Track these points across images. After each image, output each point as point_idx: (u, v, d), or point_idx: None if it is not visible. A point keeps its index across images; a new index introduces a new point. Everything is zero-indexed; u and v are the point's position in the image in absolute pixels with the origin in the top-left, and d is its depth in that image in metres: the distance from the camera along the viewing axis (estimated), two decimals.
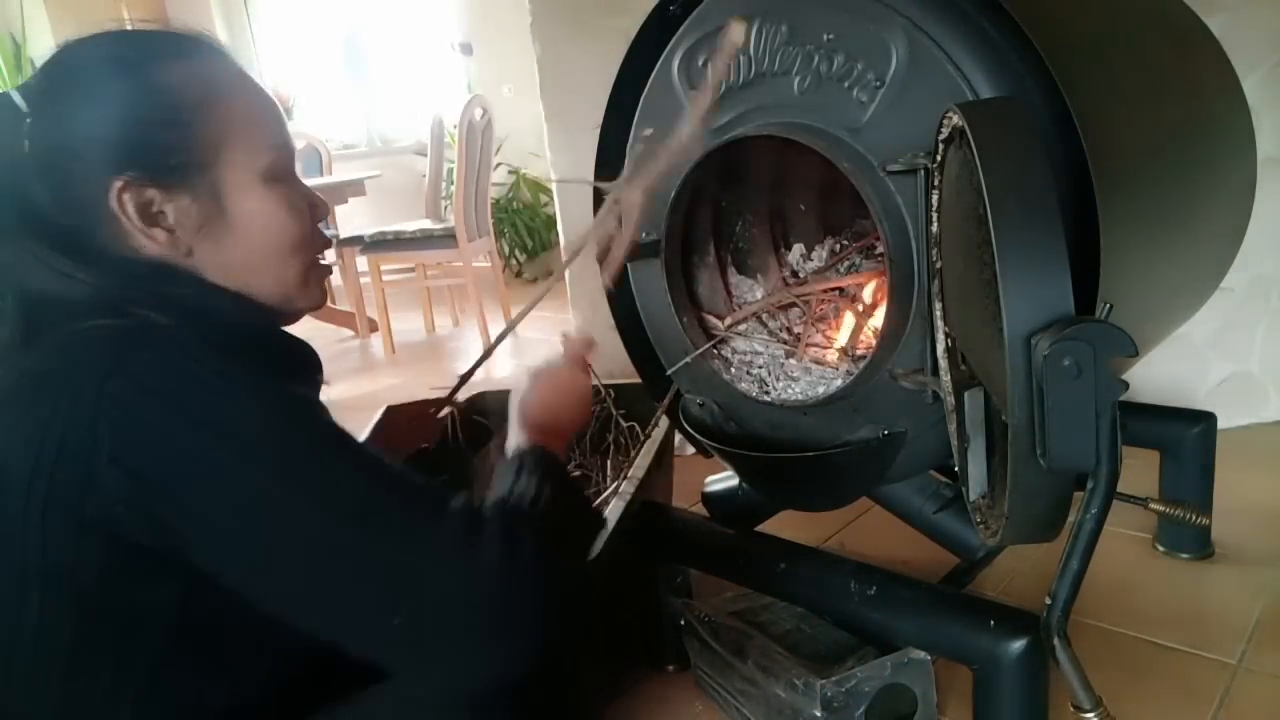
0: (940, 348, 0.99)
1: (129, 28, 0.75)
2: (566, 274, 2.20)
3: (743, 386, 1.20)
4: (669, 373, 1.27)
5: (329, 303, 0.84)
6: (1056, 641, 0.89)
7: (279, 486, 0.60)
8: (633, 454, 1.34)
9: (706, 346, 1.22)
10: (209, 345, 0.63)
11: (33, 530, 0.61)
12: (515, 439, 0.83)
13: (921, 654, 1.06)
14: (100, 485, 0.59)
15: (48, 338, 0.64)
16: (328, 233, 1.17)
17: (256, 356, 0.66)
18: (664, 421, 1.38)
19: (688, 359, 1.23)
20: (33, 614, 0.62)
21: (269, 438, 0.62)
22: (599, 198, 1.31)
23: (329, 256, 0.80)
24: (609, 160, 1.28)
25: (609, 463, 1.46)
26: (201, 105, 0.70)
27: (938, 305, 0.99)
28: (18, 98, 0.70)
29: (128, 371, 0.60)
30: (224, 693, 0.68)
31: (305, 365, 0.79)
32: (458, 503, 0.65)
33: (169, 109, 0.69)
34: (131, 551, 0.61)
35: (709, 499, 1.45)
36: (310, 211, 0.77)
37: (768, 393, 1.20)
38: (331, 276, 0.80)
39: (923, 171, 0.95)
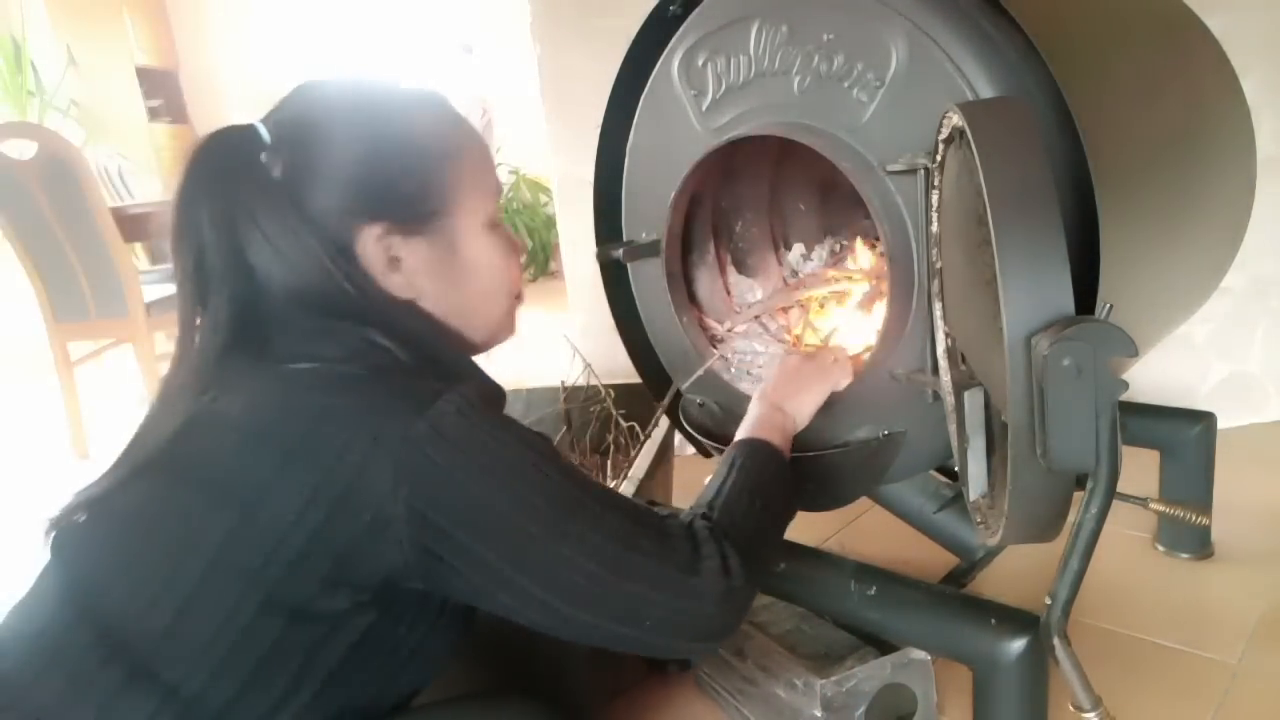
0: (940, 348, 0.99)
1: (367, 76, 0.80)
2: (567, 274, 2.20)
3: (743, 386, 1.20)
4: (683, 388, 1.27)
5: None
6: (1056, 641, 0.89)
7: (547, 530, 0.67)
8: (633, 454, 1.34)
9: (714, 360, 1.22)
10: (477, 395, 0.69)
11: (285, 550, 0.64)
12: (750, 412, 0.99)
13: (921, 654, 1.06)
14: (387, 522, 0.63)
15: (309, 372, 0.68)
16: None
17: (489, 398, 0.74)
18: (664, 421, 1.38)
19: (699, 372, 1.23)
20: (246, 616, 0.64)
21: (538, 483, 0.68)
22: (599, 196, 1.31)
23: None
24: (609, 160, 1.28)
25: (609, 463, 1.46)
26: (442, 157, 0.76)
27: (938, 305, 0.99)
28: (264, 130, 0.74)
29: (429, 419, 0.65)
30: (362, 706, 0.71)
31: (503, 400, 0.81)
32: (674, 526, 0.74)
33: (415, 160, 0.75)
34: (377, 589, 0.66)
35: None
36: (515, 252, 0.84)
37: None
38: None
39: (923, 171, 0.95)
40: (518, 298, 0.84)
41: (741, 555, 0.74)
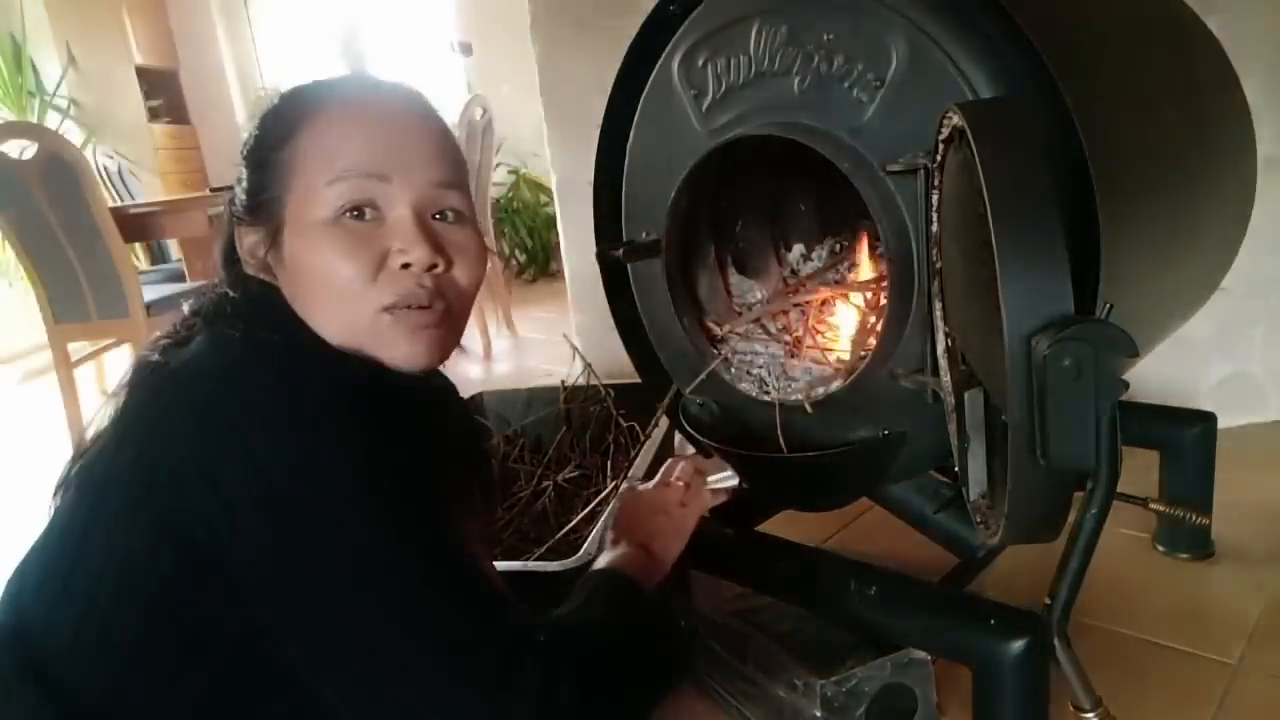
0: (940, 348, 0.99)
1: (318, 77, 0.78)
2: (567, 274, 2.20)
3: (743, 386, 1.20)
4: (687, 391, 1.27)
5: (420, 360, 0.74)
6: (1056, 641, 0.89)
7: (336, 545, 0.60)
8: (633, 454, 1.34)
9: (716, 363, 1.22)
10: (321, 380, 0.65)
11: (123, 520, 0.63)
12: (606, 553, 0.86)
13: (921, 654, 1.06)
14: (181, 486, 0.61)
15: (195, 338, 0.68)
16: None
17: (364, 401, 0.65)
18: (664, 421, 1.38)
19: (702, 375, 1.22)
20: (108, 599, 0.64)
21: (346, 493, 0.61)
22: (599, 196, 1.31)
23: (433, 311, 0.73)
24: (609, 160, 1.28)
25: (609, 463, 1.46)
26: (273, 147, 0.73)
27: (938, 305, 0.99)
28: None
29: (242, 389, 0.62)
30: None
31: (408, 416, 0.72)
32: (512, 619, 0.63)
33: (254, 151, 0.75)
34: (197, 564, 0.62)
35: None
36: (379, 259, 0.71)
37: (768, 393, 1.20)
38: (436, 332, 0.74)
39: (923, 171, 0.95)
40: (389, 310, 0.70)
41: (579, 687, 0.61)
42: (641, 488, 0.99)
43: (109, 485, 0.66)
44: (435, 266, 0.72)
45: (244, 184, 0.75)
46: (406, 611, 0.60)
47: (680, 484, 0.99)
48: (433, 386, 0.83)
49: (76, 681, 0.64)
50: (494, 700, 0.59)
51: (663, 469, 1.02)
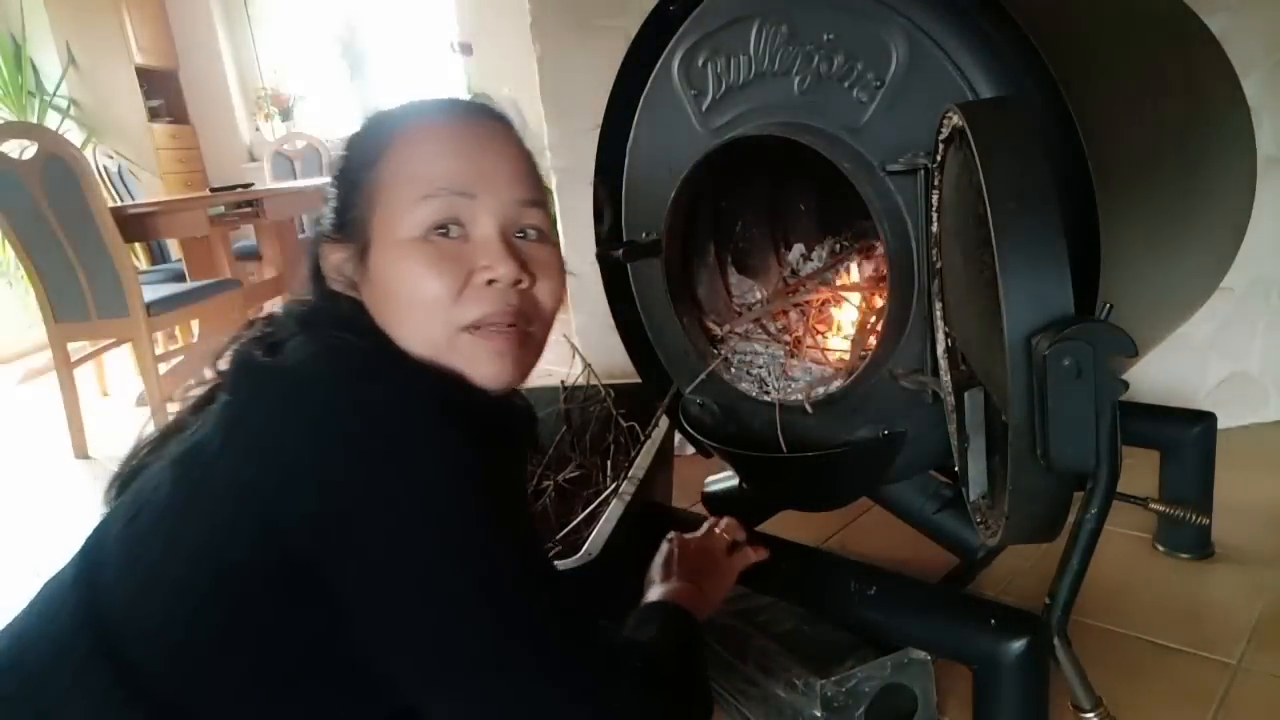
0: (940, 348, 0.99)
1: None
2: (567, 274, 2.20)
3: (743, 386, 1.20)
4: (687, 391, 1.27)
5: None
6: (1056, 641, 0.89)
7: (456, 561, 0.60)
8: (633, 454, 1.34)
9: (716, 363, 1.22)
10: (430, 392, 0.65)
11: (223, 516, 0.63)
12: (661, 588, 0.90)
13: (921, 654, 1.06)
14: (292, 490, 0.61)
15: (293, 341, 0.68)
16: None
17: (467, 414, 0.66)
18: (664, 421, 1.38)
19: (702, 375, 1.22)
20: (199, 592, 0.64)
21: (465, 507, 0.62)
22: (599, 197, 1.31)
23: (516, 330, 0.73)
24: (609, 160, 1.28)
25: (609, 463, 1.46)
26: (361, 167, 0.75)
27: (938, 305, 0.99)
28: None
29: (359, 399, 0.62)
30: None
31: (500, 432, 0.74)
32: (604, 641, 0.66)
33: (343, 170, 0.77)
34: (296, 566, 0.62)
35: (709, 499, 1.45)
36: (465, 276, 0.71)
37: (768, 393, 1.20)
38: (517, 352, 0.74)
39: (923, 171, 0.95)
40: (474, 328, 0.71)
41: (666, 708, 0.67)
42: (689, 536, 1.03)
43: (211, 481, 0.65)
44: (520, 282, 0.72)
45: (332, 203, 0.77)
46: (524, 628, 0.61)
47: (726, 537, 1.03)
48: (514, 405, 0.82)
49: (153, 668, 0.64)
50: (605, 706, 0.62)
51: (707, 523, 1.07)
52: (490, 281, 0.71)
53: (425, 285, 0.70)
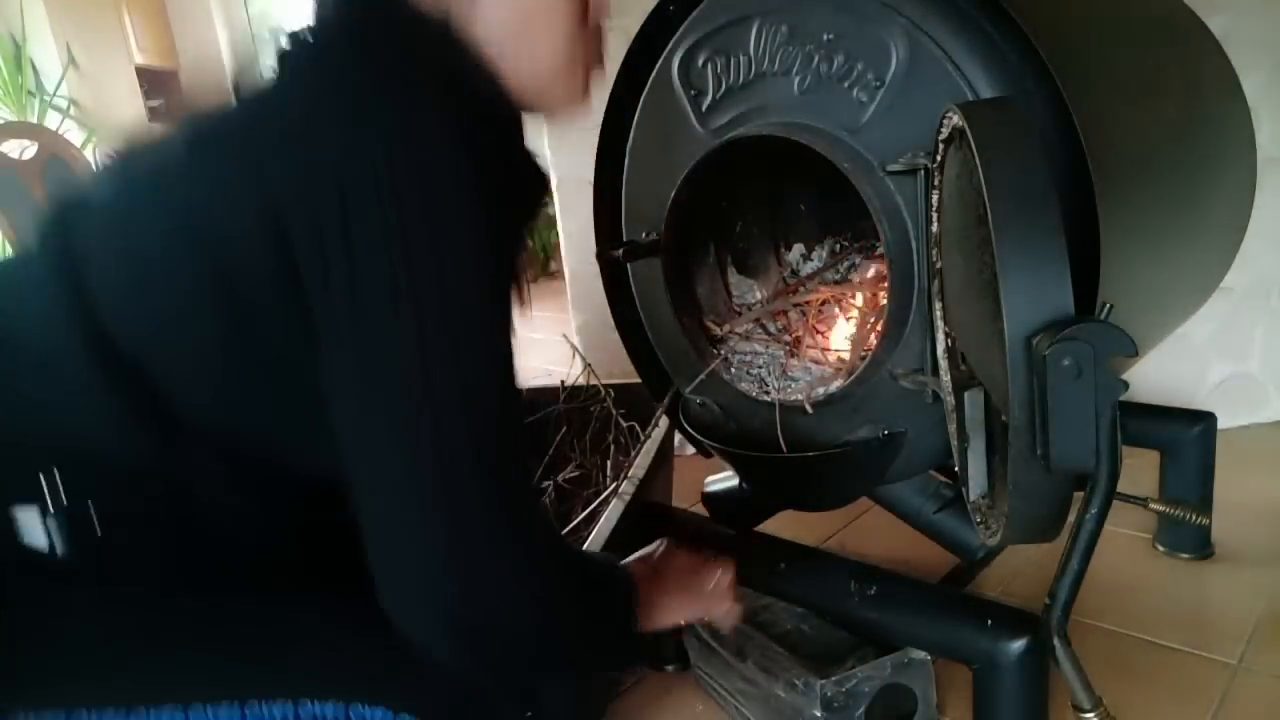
0: (940, 348, 0.99)
1: None
2: (567, 274, 2.20)
3: (743, 386, 1.20)
4: (687, 391, 1.27)
5: None
6: (1056, 641, 0.89)
7: (445, 309, 0.57)
8: (633, 454, 1.34)
9: (716, 363, 1.22)
10: (469, 141, 0.61)
11: (228, 189, 0.61)
12: (633, 559, 0.90)
13: (921, 654, 1.06)
14: (310, 185, 0.58)
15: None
16: None
17: (496, 162, 0.65)
18: (664, 421, 1.38)
19: (702, 375, 1.22)
20: (177, 255, 0.62)
21: (471, 264, 0.59)
22: (599, 197, 1.31)
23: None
24: (609, 160, 1.28)
25: (609, 463, 1.46)
26: None
27: (938, 305, 0.99)
28: None
29: (399, 110, 0.59)
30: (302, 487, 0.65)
31: (527, 186, 0.76)
32: (548, 515, 0.66)
33: None
34: (284, 261, 0.59)
35: (709, 499, 1.45)
36: (585, 4, 0.73)
37: (768, 392, 1.20)
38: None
39: (923, 171, 0.95)
40: (589, 62, 0.75)
41: (580, 603, 0.66)
42: (683, 549, 0.98)
43: (222, 154, 0.63)
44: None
45: None
46: (488, 411, 0.58)
47: (718, 573, 0.96)
48: (537, 163, 0.81)
49: (116, 327, 0.61)
50: (511, 558, 0.58)
51: (704, 555, 1.00)
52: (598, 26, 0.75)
53: (571, 7, 0.72)
